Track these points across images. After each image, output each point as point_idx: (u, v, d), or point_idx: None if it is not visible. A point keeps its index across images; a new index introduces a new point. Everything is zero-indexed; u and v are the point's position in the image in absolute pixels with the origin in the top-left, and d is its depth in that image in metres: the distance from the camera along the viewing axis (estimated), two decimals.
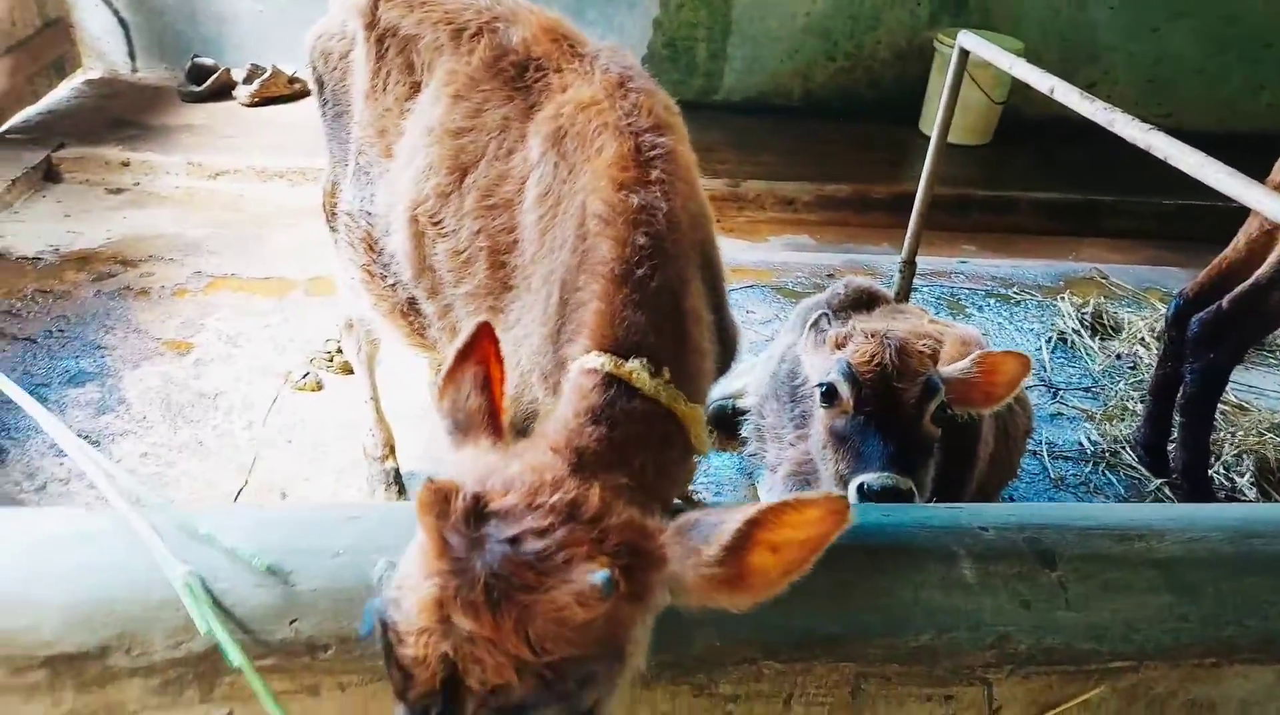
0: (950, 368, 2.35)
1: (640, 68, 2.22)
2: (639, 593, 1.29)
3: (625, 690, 1.40)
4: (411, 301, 2.61)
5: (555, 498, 1.28)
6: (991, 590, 1.58)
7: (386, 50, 2.54)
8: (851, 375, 2.25)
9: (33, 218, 5.55)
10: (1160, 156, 2.80)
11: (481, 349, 1.52)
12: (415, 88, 2.49)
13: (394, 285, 2.65)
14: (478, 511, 1.25)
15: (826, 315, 2.62)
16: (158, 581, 1.58)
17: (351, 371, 3.97)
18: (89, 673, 1.53)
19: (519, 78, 2.23)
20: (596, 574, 1.20)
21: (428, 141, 2.33)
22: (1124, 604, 1.59)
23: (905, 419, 2.23)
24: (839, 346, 2.38)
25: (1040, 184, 6.93)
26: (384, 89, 2.56)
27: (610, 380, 1.64)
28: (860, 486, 2.17)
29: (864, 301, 3.24)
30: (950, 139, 7.51)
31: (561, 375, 1.78)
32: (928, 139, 4.28)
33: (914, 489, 2.17)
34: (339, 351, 4.33)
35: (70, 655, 1.51)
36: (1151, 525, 1.70)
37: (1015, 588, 1.59)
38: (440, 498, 1.24)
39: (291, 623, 1.58)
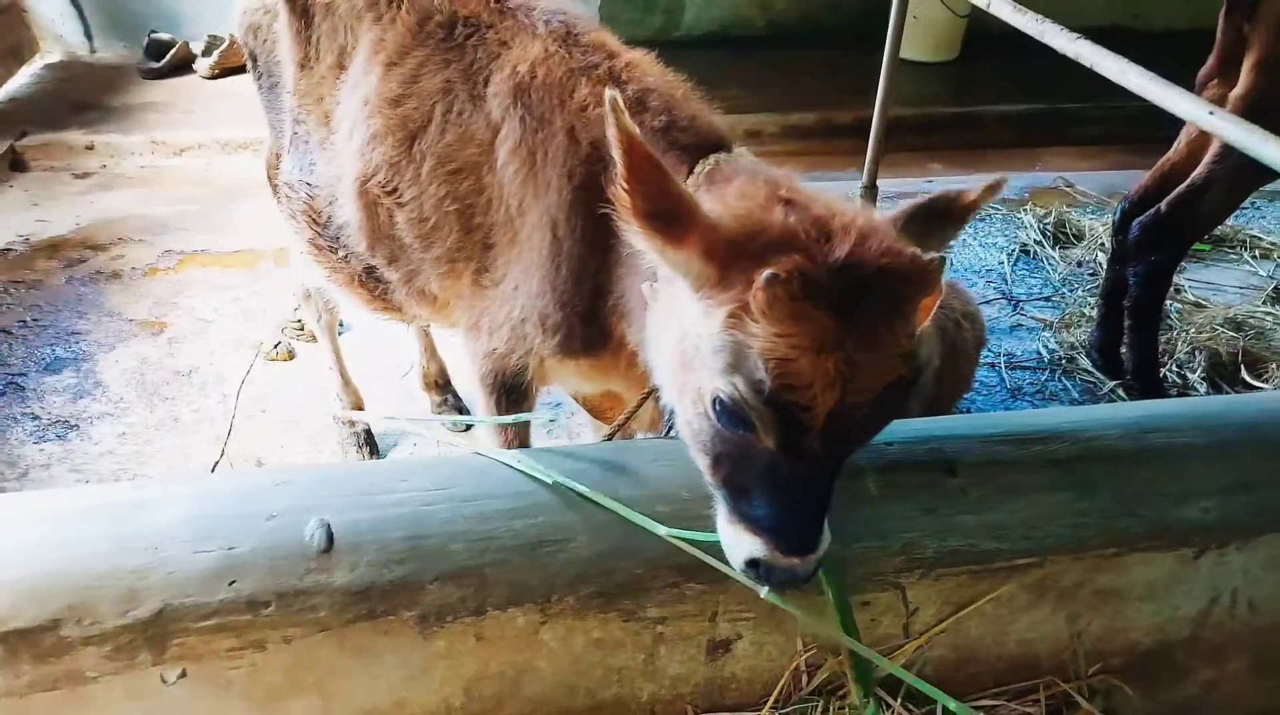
0: None
1: (574, 10, 2.21)
2: None
3: None
4: (370, 270, 2.60)
5: (840, 223, 1.41)
6: (895, 500, 1.65)
7: (311, 18, 2.53)
8: None
9: (1, 209, 5.56)
10: (1087, 64, 2.79)
11: (636, 136, 1.41)
12: (342, 52, 2.49)
13: (346, 257, 2.63)
14: (822, 272, 1.33)
15: None
16: (100, 554, 1.65)
17: None
18: (44, 644, 1.60)
19: (449, 38, 2.21)
20: (935, 255, 1.35)
21: (366, 113, 2.31)
22: (1023, 504, 1.66)
23: None
24: None
25: (1006, 97, 6.85)
26: (317, 57, 2.55)
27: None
28: None
29: None
30: (915, 56, 7.34)
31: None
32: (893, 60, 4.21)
33: None
34: None
35: (23, 630, 1.59)
36: (1051, 429, 1.76)
37: (918, 496, 1.65)
38: (796, 280, 1.30)
39: (231, 583, 1.65)
